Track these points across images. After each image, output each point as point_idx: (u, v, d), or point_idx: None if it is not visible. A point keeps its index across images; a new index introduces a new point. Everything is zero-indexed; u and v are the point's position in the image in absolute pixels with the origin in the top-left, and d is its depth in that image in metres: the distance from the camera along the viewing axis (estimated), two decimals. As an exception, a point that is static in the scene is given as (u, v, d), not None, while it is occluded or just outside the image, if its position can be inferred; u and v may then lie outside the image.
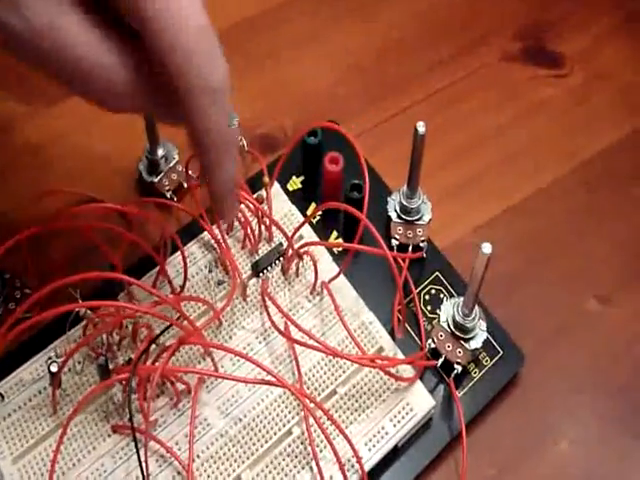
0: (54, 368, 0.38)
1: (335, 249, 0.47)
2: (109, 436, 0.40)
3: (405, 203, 0.47)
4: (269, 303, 0.43)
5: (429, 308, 0.46)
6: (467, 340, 0.43)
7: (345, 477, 0.38)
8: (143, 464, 0.37)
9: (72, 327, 0.41)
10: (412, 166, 0.45)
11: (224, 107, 0.32)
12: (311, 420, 0.40)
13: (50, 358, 0.40)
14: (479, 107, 0.53)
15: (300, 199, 0.48)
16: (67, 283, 0.37)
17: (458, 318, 0.43)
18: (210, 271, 0.44)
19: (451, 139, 0.51)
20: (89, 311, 0.40)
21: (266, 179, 0.46)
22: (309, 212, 0.47)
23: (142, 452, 0.37)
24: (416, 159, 0.44)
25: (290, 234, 0.44)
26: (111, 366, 0.40)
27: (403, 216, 0.47)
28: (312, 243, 0.45)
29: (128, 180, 0.48)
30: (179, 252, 0.44)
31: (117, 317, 0.39)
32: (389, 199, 0.47)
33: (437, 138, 0.49)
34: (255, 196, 0.45)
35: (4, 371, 0.41)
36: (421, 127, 0.41)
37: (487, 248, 0.37)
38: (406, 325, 0.44)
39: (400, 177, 0.46)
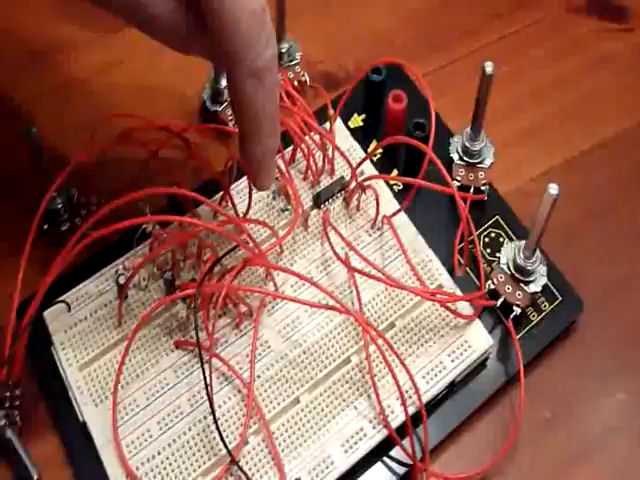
0: (122, 280, 0.40)
1: (395, 187, 0.48)
2: (172, 351, 0.41)
3: (468, 145, 0.47)
4: (331, 233, 0.44)
5: (488, 251, 0.47)
6: (527, 283, 0.44)
7: (405, 406, 0.39)
8: (206, 379, 0.38)
9: (139, 244, 0.42)
10: (477, 107, 0.45)
11: (269, 87, 0.33)
12: (370, 349, 0.41)
13: (117, 271, 0.41)
14: (543, 57, 0.54)
15: (361, 137, 0.49)
16: (133, 199, 0.38)
17: (519, 260, 0.44)
18: (274, 198, 0.45)
19: (515, 88, 0.52)
20: (157, 226, 0.41)
21: (331, 112, 0.47)
22: (370, 149, 0.48)
23: (205, 368, 0.38)
24: (482, 99, 0.44)
25: (354, 166, 0.45)
26: (176, 283, 0.41)
27: (465, 158, 0.48)
28: (376, 177, 0.46)
29: (191, 108, 0.49)
30: (241, 180, 0.45)
31: (183, 234, 0.40)
32: (451, 141, 0.48)
33: (501, 86, 0.49)
34: (318, 130, 0.46)
35: (71, 284, 0.42)
36: (489, 67, 0.42)
37: (554, 189, 0.38)
38: (465, 267, 0.45)
39: (460, 123, 0.48)
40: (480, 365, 0.43)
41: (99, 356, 0.41)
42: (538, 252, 0.44)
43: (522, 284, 0.44)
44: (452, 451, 0.42)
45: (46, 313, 0.42)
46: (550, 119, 0.52)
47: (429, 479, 0.40)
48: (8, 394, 0.39)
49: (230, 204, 0.44)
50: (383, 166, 0.48)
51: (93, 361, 0.41)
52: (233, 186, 0.45)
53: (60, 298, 0.41)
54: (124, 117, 0.45)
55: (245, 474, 0.38)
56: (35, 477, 0.39)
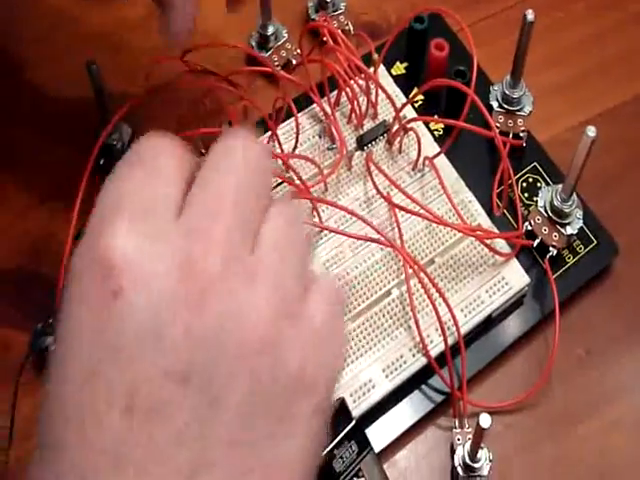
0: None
1: (436, 133, 0.51)
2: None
3: (507, 92, 0.51)
4: (374, 173, 0.48)
5: (526, 195, 0.50)
6: (563, 225, 0.48)
7: (445, 336, 0.43)
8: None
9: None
10: (517, 54, 0.49)
11: None
12: (411, 283, 0.45)
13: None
14: (584, 12, 0.57)
15: (403, 84, 0.53)
16: (187, 137, 0.42)
17: (556, 203, 0.47)
18: (320, 137, 0.49)
19: (555, 41, 0.56)
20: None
21: (375, 56, 0.51)
22: (412, 94, 0.52)
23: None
24: (522, 47, 0.48)
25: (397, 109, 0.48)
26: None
27: (505, 105, 0.52)
28: (419, 118, 0.50)
29: (239, 54, 0.53)
30: (288, 121, 0.49)
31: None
32: (491, 89, 0.52)
33: (542, 38, 0.53)
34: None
35: None
36: (530, 14, 0.46)
37: (592, 131, 0.42)
38: (504, 208, 0.49)
39: (499, 74, 0.51)
40: (516, 302, 0.47)
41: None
42: (575, 196, 0.47)
43: (559, 226, 0.48)
44: (488, 383, 0.46)
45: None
46: (589, 72, 0.56)
47: (466, 406, 0.44)
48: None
49: (277, 143, 0.48)
50: (425, 112, 0.52)
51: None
52: (280, 127, 0.49)
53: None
54: (177, 61, 0.49)
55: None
56: None
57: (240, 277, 0.24)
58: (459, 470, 0.43)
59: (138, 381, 0.23)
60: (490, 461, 0.42)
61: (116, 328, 0.23)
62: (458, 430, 0.44)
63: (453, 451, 0.43)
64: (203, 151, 0.46)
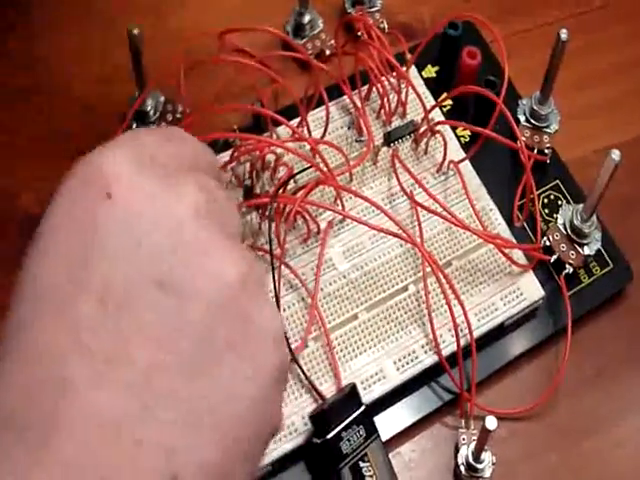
0: (202, 182, 0.50)
1: (462, 139, 0.59)
2: (243, 254, 0.52)
3: (535, 108, 0.58)
4: (399, 170, 0.55)
5: (546, 211, 0.57)
6: (581, 245, 0.54)
7: (457, 336, 0.50)
8: (276, 283, 0.48)
9: (220, 152, 0.53)
10: (549, 72, 0.55)
11: None
12: (428, 281, 0.52)
13: (199, 173, 0.52)
14: (623, 35, 0.65)
15: (433, 87, 0.60)
16: (219, 113, 0.49)
17: (576, 222, 0.54)
18: (349, 128, 0.56)
19: (589, 62, 0.63)
20: (237, 140, 0.52)
21: (408, 56, 0.58)
22: (442, 97, 0.59)
23: (275, 273, 0.49)
24: (554, 66, 0.54)
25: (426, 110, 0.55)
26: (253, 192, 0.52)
27: (532, 121, 0.59)
28: (447, 122, 0.57)
29: (275, 38, 0.60)
30: (318, 109, 0.56)
31: (263, 146, 0.51)
32: (520, 102, 0.59)
33: (575, 58, 0.59)
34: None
35: None
36: (564, 34, 0.52)
37: (616, 155, 0.48)
38: (524, 220, 0.55)
39: (528, 89, 0.58)
40: (530, 314, 0.54)
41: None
42: (595, 217, 0.54)
43: (577, 245, 0.54)
44: (496, 389, 0.52)
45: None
46: (619, 98, 0.62)
47: (473, 408, 0.50)
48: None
49: (306, 129, 0.55)
50: (452, 117, 0.59)
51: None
52: (310, 113, 0.55)
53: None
54: (216, 38, 0.56)
55: (304, 372, 0.48)
56: None
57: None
58: (462, 469, 0.49)
59: (116, 277, 0.29)
60: (493, 464, 0.49)
61: (103, 226, 0.28)
62: (464, 430, 0.50)
63: (457, 450, 0.49)
64: (235, 127, 0.53)
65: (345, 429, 0.46)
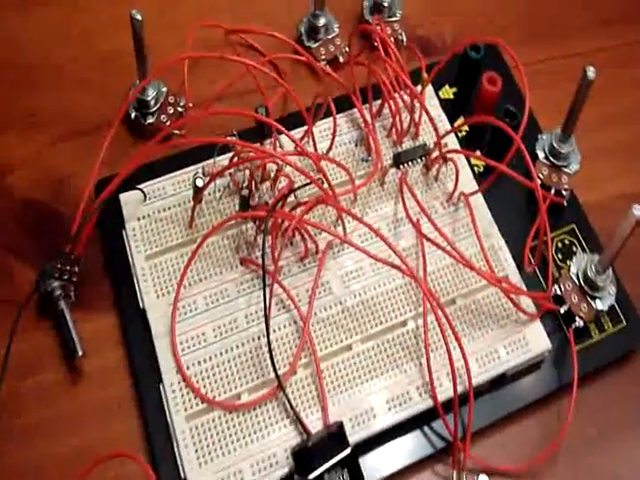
0: (199, 183, 0.53)
1: (476, 169, 0.63)
2: (236, 266, 0.55)
3: (556, 146, 0.61)
4: (406, 196, 0.59)
5: (559, 256, 0.61)
6: (594, 298, 0.57)
7: (455, 382, 0.52)
8: (267, 301, 0.52)
9: (220, 155, 0.56)
10: (572, 110, 0.58)
11: None
12: (428, 319, 0.56)
13: (196, 174, 0.55)
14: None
15: (450, 109, 0.63)
16: (220, 114, 0.54)
17: (590, 274, 0.57)
18: (356, 145, 0.60)
19: (615, 101, 0.66)
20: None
21: (425, 75, 0.63)
22: (457, 123, 0.64)
23: (267, 291, 0.53)
24: (578, 103, 0.57)
25: (440, 135, 0.58)
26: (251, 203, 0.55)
27: (551, 158, 0.62)
28: (461, 151, 0.60)
29: (285, 41, 0.63)
30: (326, 120, 0.60)
31: (263, 156, 0.55)
32: (539, 137, 0.62)
33: (601, 96, 0.62)
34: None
35: (148, 177, 0.57)
36: (591, 72, 0.55)
37: (638, 210, 0.50)
38: (535, 266, 0.58)
39: (549, 121, 0.62)
40: (534, 366, 0.57)
41: (167, 251, 0.55)
42: (610, 271, 0.57)
43: (589, 298, 0.57)
44: (492, 441, 0.55)
45: (122, 196, 0.55)
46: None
47: (466, 460, 0.54)
48: (68, 268, 0.53)
49: (311, 141, 0.59)
50: (467, 145, 0.62)
51: (160, 254, 0.55)
52: (317, 124, 0.59)
53: (138, 186, 0.56)
54: (224, 31, 0.60)
55: (290, 403, 0.51)
56: (80, 353, 0.52)
57: None
58: (451, 525, 0.53)
59: None
60: (484, 524, 0.52)
61: None
62: (455, 483, 0.54)
63: (447, 503, 0.53)
64: (234, 132, 0.57)
65: (328, 471, 0.49)
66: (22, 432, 0.53)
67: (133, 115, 0.59)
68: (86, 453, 0.51)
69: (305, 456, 0.49)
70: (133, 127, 0.61)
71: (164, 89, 0.59)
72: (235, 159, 0.54)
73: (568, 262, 0.59)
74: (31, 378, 0.54)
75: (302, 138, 0.57)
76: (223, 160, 0.55)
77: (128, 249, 0.55)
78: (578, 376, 0.56)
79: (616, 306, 0.59)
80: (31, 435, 0.53)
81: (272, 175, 0.54)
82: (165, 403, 0.52)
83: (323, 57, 0.61)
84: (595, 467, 0.56)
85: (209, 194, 0.56)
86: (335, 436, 0.50)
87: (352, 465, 0.50)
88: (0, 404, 0.52)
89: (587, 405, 0.57)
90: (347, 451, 0.50)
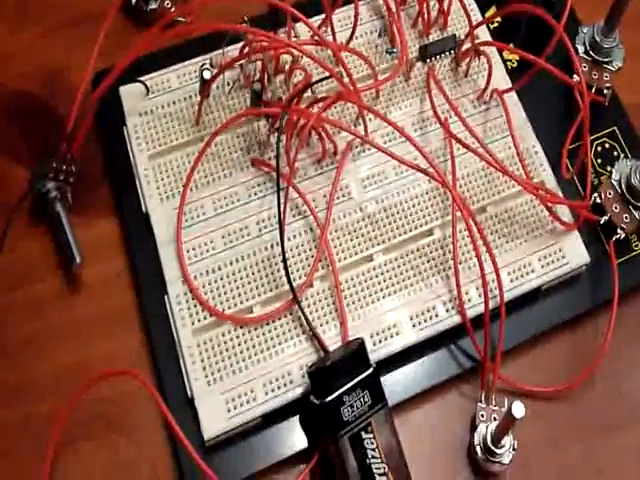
0: (207, 75, 0.49)
1: (509, 64, 0.58)
2: (247, 168, 0.51)
3: (598, 39, 0.57)
4: (434, 92, 0.55)
5: (599, 161, 0.58)
6: (638, 208, 0.54)
7: (486, 297, 0.49)
8: (281, 206, 0.48)
9: (229, 45, 0.52)
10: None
11: None
12: (457, 228, 0.52)
13: (203, 65, 0.51)
14: None
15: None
16: None
17: (634, 181, 0.53)
18: (380, 35, 0.55)
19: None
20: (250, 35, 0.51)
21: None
22: (490, 13, 0.59)
23: (281, 195, 0.49)
24: None
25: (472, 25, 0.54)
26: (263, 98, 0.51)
27: (592, 53, 0.58)
28: (495, 44, 0.56)
29: None
30: (346, 7, 0.55)
31: (277, 45, 0.50)
32: (579, 30, 0.58)
33: None
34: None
35: (151, 68, 0.53)
36: None
37: None
38: (575, 172, 0.55)
39: (591, 14, 0.58)
40: (570, 280, 0.53)
41: (172, 150, 0.51)
42: None
43: (632, 207, 0.54)
44: (523, 361, 0.52)
45: (122, 89, 0.51)
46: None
47: (496, 381, 0.51)
48: (64, 167, 0.49)
49: (330, 30, 0.54)
50: (500, 37, 0.58)
51: (165, 154, 0.51)
52: (336, 12, 0.55)
53: (140, 79, 0.51)
54: None
55: (306, 317, 0.48)
56: (78, 260, 0.48)
57: None
58: (477, 450, 0.49)
59: None
60: (514, 449, 0.49)
61: None
62: (483, 405, 0.50)
63: (473, 426, 0.49)
64: (245, 18, 0.52)
65: (348, 392, 0.46)
66: (14, 348, 0.50)
67: (134, 0, 0.54)
68: (84, 370, 0.48)
69: (322, 376, 0.46)
70: (134, 14, 0.56)
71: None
72: (246, 49, 0.49)
73: (609, 168, 0.56)
74: (22, 288, 0.51)
75: (320, 27, 0.53)
76: (233, 50, 0.51)
77: (129, 148, 0.51)
78: (618, 293, 0.53)
79: (663, 222, 0.54)
80: (23, 351, 0.50)
81: (287, 68, 0.50)
82: (170, 316, 0.48)
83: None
84: (634, 392, 0.53)
85: (217, 88, 0.52)
86: (355, 354, 0.47)
87: (374, 386, 0.46)
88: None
89: (628, 324, 0.54)
90: (369, 371, 0.46)
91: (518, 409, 0.43)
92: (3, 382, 0.48)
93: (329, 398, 0.45)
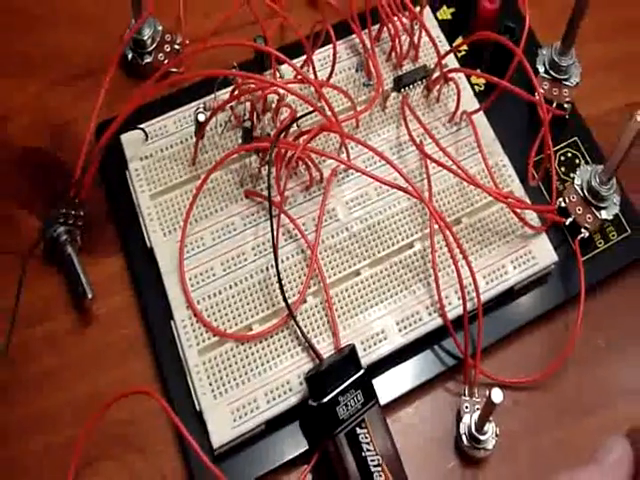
0: (201, 117, 0.52)
1: (477, 87, 0.61)
2: (241, 199, 0.53)
3: (556, 59, 0.60)
4: (409, 117, 0.57)
5: (563, 170, 0.60)
6: (599, 208, 0.56)
7: (464, 299, 0.52)
8: (274, 232, 0.50)
9: (219, 90, 0.55)
10: (572, 20, 0.57)
11: None
12: (435, 239, 0.54)
13: (197, 109, 0.53)
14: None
15: (448, 30, 0.61)
16: (218, 47, 0.51)
17: (594, 184, 0.56)
18: (357, 70, 0.58)
19: (616, 12, 0.65)
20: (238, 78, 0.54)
21: (422, -5, 0.60)
22: (457, 42, 0.61)
23: (273, 222, 0.51)
24: (578, 13, 0.56)
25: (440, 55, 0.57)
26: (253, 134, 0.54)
27: (551, 72, 0.60)
28: (463, 70, 0.58)
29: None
30: (325, 47, 0.58)
31: (264, 86, 0.53)
32: (539, 52, 0.60)
33: (602, 7, 0.60)
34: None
35: (148, 117, 0.55)
36: None
37: None
38: (540, 180, 0.57)
39: (549, 37, 0.60)
40: (541, 279, 0.56)
41: (171, 189, 0.54)
42: (614, 180, 0.56)
43: (594, 208, 0.56)
44: (501, 356, 0.54)
45: (124, 137, 0.54)
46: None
47: (477, 375, 0.53)
48: (73, 212, 0.52)
49: (312, 69, 0.57)
50: (467, 64, 0.61)
51: (165, 193, 0.54)
52: (316, 52, 0.57)
53: (139, 126, 0.54)
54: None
55: (301, 330, 0.50)
56: (90, 295, 0.51)
57: None
58: (463, 439, 0.51)
59: None
60: (497, 436, 0.51)
61: None
62: (467, 398, 0.52)
63: (459, 418, 0.52)
64: (235, 64, 0.55)
65: (342, 393, 0.48)
66: (35, 381, 0.52)
67: (130, 56, 0.58)
68: (100, 397, 0.49)
69: (318, 380, 0.48)
70: (130, 68, 0.59)
71: (160, 28, 0.58)
72: (236, 92, 0.52)
73: (572, 175, 0.58)
74: (40, 326, 0.53)
75: (302, 67, 0.56)
76: (223, 94, 0.54)
77: (132, 190, 0.54)
78: (585, 287, 0.55)
79: (620, 215, 0.58)
80: (44, 384, 0.52)
81: (273, 106, 0.53)
82: (177, 339, 0.51)
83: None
84: (604, 378, 0.55)
85: (210, 129, 0.54)
86: (348, 358, 0.49)
87: (366, 385, 0.49)
88: (11, 354, 0.51)
89: (594, 316, 0.56)
90: (360, 372, 0.49)
91: (497, 395, 0.46)
92: (26, 413, 0.51)
93: (325, 399, 0.47)
